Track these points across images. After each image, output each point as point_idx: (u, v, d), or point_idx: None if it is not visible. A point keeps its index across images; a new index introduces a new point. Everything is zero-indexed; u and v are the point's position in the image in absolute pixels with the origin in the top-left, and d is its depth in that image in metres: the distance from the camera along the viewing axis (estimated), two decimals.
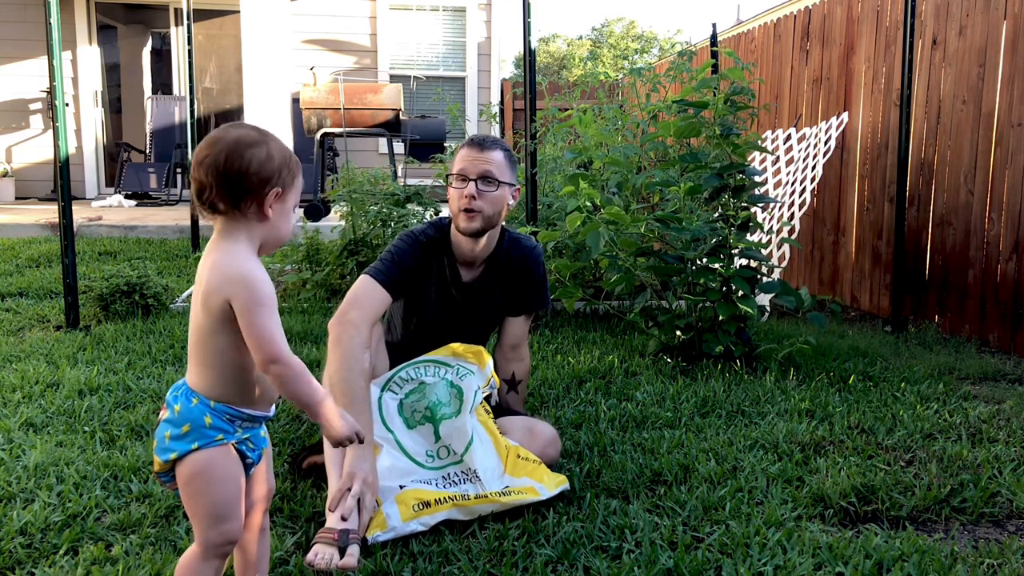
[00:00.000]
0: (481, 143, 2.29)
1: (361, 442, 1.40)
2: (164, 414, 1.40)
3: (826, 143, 5.06)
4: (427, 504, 1.95)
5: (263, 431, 1.49)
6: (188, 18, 6.11)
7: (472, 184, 2.25)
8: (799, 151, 5.20)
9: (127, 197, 9.19)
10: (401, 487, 2.00)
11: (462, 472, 2.07)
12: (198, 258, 5.74)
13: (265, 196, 1.38)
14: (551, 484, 2.10)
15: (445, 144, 7.55)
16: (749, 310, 3.30)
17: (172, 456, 1.37)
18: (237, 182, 1.35)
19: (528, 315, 2.52)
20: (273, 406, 1.49)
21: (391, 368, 2.25)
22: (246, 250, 1.38)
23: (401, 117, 7.81)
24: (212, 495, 1.37)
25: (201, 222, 6.45)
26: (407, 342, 2.42)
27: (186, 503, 1.39)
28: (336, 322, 2.14)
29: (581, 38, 34.11)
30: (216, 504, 1.38)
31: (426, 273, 2.36)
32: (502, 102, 10.10)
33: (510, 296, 2.47)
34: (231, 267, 1.35)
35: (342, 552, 1.73)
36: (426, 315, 2.39)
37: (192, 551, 1.41)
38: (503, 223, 2.41)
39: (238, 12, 7.35)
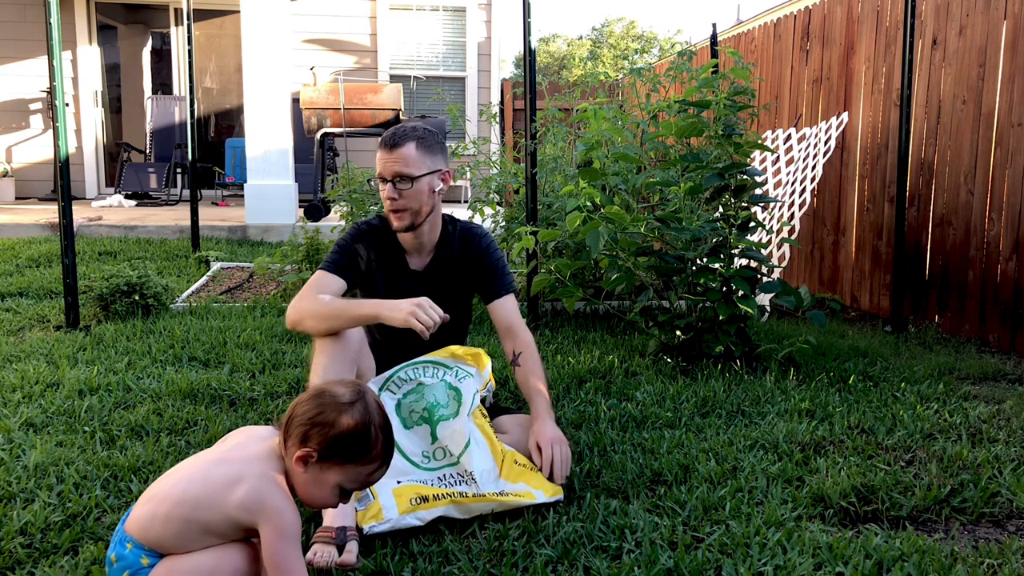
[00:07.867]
0: (390, 142, 2.32)
1: None
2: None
3: (826, 143, 5.06)
4: (425, 499, 1.95)
5: None
6: (188, 18, 6.11)
7: (389, 186, 2.30)
8: (799, 151, 5.20)
9: (127, 197, 9.19)
10: (399, 482, 2.01)
11: (458, 474, 2.06)
12: (198, 258, 5.81)
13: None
14: (548, 491, 2.09)
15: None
16: (749, 310, 3.30)
17: None
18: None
19: (502, 297, 2.51)
20: None
21: (377, 368, 2.25)
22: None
23: (401, 117, 7.81)
24: None
25: (201, 222, 6.45)
26: (373, 340, 2.42)
27: None
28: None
29: (581, 38, 34.14)
30: None
31: (375, 259, 2.40)
32: (502, 102, 10.09)
33: (471, 283, 2.50)
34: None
35: (340, 549, 1.76)
36: None
37: None
38: (444, 209, 2.47)
39: (238, 12, 7.35)
